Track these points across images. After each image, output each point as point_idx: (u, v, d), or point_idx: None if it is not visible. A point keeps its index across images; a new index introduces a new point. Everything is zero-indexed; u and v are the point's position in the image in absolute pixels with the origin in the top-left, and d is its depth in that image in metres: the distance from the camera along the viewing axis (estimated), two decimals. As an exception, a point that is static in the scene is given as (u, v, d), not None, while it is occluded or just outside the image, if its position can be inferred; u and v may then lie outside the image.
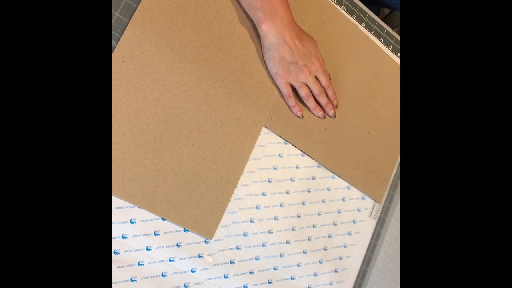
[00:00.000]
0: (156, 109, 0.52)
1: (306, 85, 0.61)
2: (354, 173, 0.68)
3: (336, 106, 0.65)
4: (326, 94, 0.63)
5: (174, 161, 0.53)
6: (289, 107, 0.62)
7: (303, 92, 0.61)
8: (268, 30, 0.57)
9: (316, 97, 0.62)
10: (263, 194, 0.60)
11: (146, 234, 0.51)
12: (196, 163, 0.54)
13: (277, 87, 0.61)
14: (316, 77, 0.61)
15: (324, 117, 0.64)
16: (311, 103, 0.62)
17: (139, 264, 0.51)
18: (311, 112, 0.63)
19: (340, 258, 0.68)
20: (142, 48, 0.51)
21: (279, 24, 0.56)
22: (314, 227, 0.65)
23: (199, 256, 0.55)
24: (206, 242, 0.55)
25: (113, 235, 0.49)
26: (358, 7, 0.69)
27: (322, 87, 0.62)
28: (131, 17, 0.51)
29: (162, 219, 0.52)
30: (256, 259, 0.60)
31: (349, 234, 0.69)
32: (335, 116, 0.65)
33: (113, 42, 0.50)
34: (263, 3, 0.55)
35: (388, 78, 0.72)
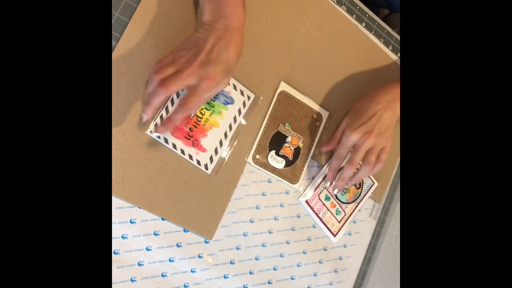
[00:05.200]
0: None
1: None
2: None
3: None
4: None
5: (174, 161, 0.53)
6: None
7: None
8: None
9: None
10: (263, 194, 0.60)
11: (146, 234, 0.51)
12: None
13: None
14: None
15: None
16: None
17: (139, 264, 0.51)
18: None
19: (340, 258, 0.68)
20: (142, 48, 0.51)
21: None
22: (314, 227, 0.65)
23: (199, 256, 0.55)
24: (206, 242, 0.55)
25: (113, 235, 0.49)
26: (358, 7, 0.69)
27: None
28: (131, 17, 0.51)
29: (162, 219, 0.52)
30: (256, 259, 0.60)
31: (349, 234, 0.69)
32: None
33: (113, 42, 0.50)
34: None
35: (388, 78, 0.72)
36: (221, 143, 0.55)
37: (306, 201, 0.63)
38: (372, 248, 0.72)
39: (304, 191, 0.63)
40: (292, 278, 0.63)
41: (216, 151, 0.55)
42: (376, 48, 0.71)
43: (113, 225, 0.49)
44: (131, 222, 0.50)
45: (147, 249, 0.51)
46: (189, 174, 0.54)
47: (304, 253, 0.64)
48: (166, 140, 0.52)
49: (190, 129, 0.53)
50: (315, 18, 0.65)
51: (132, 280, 0.50)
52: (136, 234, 0.51)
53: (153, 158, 0.51)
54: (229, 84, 0.56)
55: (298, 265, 0.63)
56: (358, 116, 0.61)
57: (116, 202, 0.49)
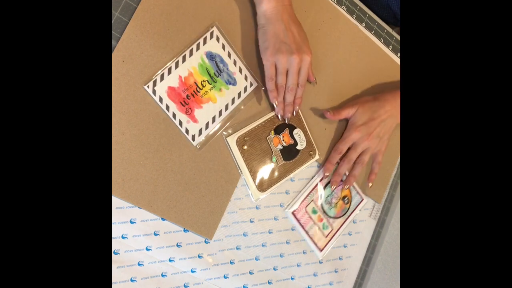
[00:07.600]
0: (156, 109, 0.52)
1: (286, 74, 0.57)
2: (354, 173, 0.68)
3: (295, 112, 0.60)
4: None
5: (174, 161, 0.53)
6: (266, 88, 0.58)
7: (280, 80, 0.56)
8: (268, 8, 0.55)
9: (285, 91, 0.57)
10: (263, 194, 0.60)
11: (146, 234, 0.51)
12: (196, 163, 0.54)
13: (263, 65, 0.57)
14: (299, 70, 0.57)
15: (283, 118, 0.59)
16: (279, 96, 0.58)
17: (139, 264, 0.51)
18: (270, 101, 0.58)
19: (340, 258, 0.68)
20: (142, 48, 0.51)
21: (279, 4, 0.55)
22: (314, 227, 0.65)
23: (199, 256, 0.55)
24: (206, 242, 0.55)
25: (113, 235, 0.49)
26: (358, 7, 0.69)
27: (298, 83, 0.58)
28: (131, 17, 0.51)
29: (162, 219, 0.52)
30: (256, 259, 0.60)
31: (349, 234, 0.69)
32: (288, 121, 0.60)
33: (113, 42, 0.50)
34: None
35: (388, 78, 0.72)
36: (214, 119, 0.55)
37: (293, 213, 0.62)
38: (372, 248, 0.72)
39: (291, 202, 0.62)
40: (292, 278, 0.63)
41: (207, 125, 0.55)
42: (376, 48, 0.71)
43: (113, 225, 0.49)
44: (131, 222, 0.50)
45: (147, 249, 0.51)
46: (189, 174, 0.54)
47: (304, 253, 0.64)
48: (160, 100, 0.52)
49: (187, 96, 0.53)
50: (315, 18, 0.65)
51: (132, 280, 0.50)
52: (136, 234, 0.51)
53: (153, 158, 0.51)
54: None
55: (298, 265, 0.63)
56: (363, 114, 0.63)
57: (116, 202, 0.49)
